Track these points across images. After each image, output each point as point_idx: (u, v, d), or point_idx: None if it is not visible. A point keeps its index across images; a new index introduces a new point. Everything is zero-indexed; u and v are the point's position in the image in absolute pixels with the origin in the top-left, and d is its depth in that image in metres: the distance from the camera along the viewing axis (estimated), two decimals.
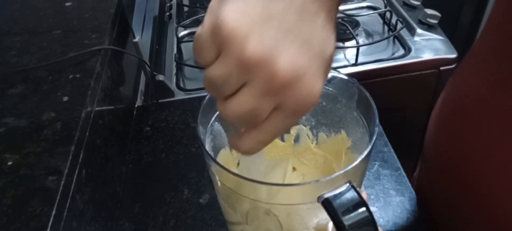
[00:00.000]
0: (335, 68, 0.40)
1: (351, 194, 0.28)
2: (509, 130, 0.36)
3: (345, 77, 0.38)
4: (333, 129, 0.43)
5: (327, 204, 0.28)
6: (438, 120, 0.48)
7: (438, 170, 0.48)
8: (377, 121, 0.33)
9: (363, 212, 0.28)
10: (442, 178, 0.47)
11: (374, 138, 0.32)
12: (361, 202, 0.28)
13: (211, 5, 0.24)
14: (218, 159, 0.40)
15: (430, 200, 0.50)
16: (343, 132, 0.41)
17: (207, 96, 0.37)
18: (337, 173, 0.29)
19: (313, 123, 0.44)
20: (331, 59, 0.26)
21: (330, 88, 0.40)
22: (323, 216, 0.34)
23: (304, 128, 0.45)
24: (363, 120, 0.37)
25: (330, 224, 0.34)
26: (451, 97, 0.47)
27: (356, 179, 0.32)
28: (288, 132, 0.45)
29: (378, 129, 0.34)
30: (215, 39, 0.23)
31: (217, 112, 0.39)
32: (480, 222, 0.41)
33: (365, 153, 0.31)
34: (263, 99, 0.24)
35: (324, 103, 0.41)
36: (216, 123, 0.39)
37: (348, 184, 0.29)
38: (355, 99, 0.38)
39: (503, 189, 0.37)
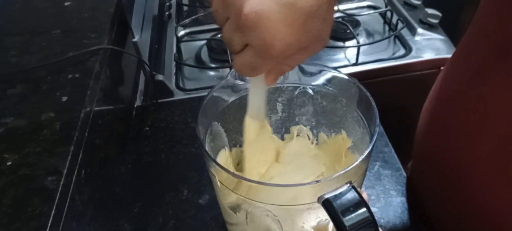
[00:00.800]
0: (335, 68, 0.40)
1: (352, 194, 0.28)
2: (487, 121, 0.37)
3: (346, 77, 0.38)
4: (333, 129, 0.43)
5: (328, 205, 0.28)
6: (425, 113, 0.49)
7: (426, 163, 0.49)
8: (378, 120, 0.33)
9: (363, 212, 0.27)
10: (430, 171, 0.48)
11: (375, 137, 0.32)
12: (362, 203, 0.28)
13: None
14: (218, 160, 0.40)
15: (419, 193, 0.51)
16: (343, 132, 0.41)
17: (207, 97, 0.37)
18: (337, 173, 0.29)
19: (313, 123, 0.44)
20: (309, 13, 0.28)
21: (330, 88, 0.40)
22: (323, 217, 0.34)
23: (304, 128, 0.44)
24: (364, 119, 0.37)
25: (330, 225, 0.34)
26: (437, 91, 0.48)
27: (356, 179, 0.31)
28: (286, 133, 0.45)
29: (378, 129, 0.34)
30: None
31: (217, 113, 0.39)
32: (466, 213, 0.41)
33: (366, 153, 0.31)
34: (234, 33, 0.29)
35: (324, 103, 0.41)
36: (215, 123, 0.39)
37: (348, 184, 0.29)
38: (356, 99, 0.38)
39: (484, 179, 0.38)
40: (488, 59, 0.37)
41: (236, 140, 0.43)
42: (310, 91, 0.41)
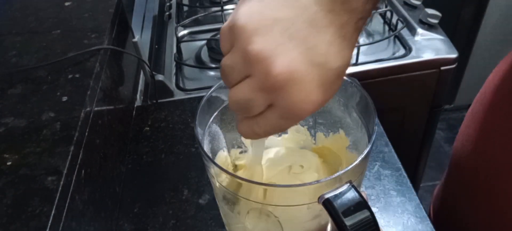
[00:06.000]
0: None
1: (352, 194, 0.28)
2: None
3: (344, 77, 0.38)
4: (331, 129, 0.43)
5: (328, 204, 0.28)
6: (473, 118, 0.48)
7: (465, 172, 0.47)
8: (376, 120, 0.33)
9: (364, 212, 0.28)
10: (469, 181, 0.46)
11: (374, 137, 0.32)
12: (362, 202, 0.28)
13: (237, 5, 0.27)
14: (216, 161, 0.40)
15: (451, 204, 0.50)
16: (341, 131, 0.41)
17: (204, 98, 0.37)
18: (337, 173, 0.29)
19: (311, 123, 0.44)
20: (338, 74, 0.27)
21: None
22: (323, 217, 0.34)
23: (301, 128, 0.44)
24: (362, 119, 0.37)
25: (329, 226, 0.34)
26: (483, 96, 0.47)
27: (356, 179, 0.31)
28: (284, 132, 0.45)
29: (377, 128, 0.34)
30: (230, 32, 0.26)
31: (215, 114, 0.39)
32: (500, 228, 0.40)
33: (365, 152, 0.31)
34: (258, 94, 0.26)
35: None
36: (213, 124, 0.39)
37: (348, 184, 0.29)
38: (354, 99, 0.38)
39: None
40: None
41: (234, 141, 0.43)
42: None
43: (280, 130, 0.29)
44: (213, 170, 0.34)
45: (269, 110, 0.27)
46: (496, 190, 0.42)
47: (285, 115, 0.27)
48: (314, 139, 0.44)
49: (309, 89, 0.25)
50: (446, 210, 0.53)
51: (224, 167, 0.33)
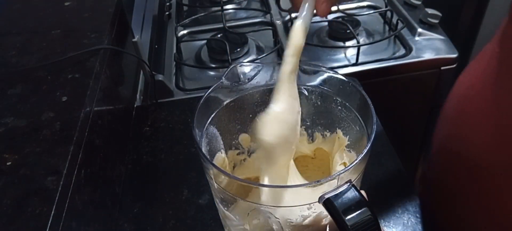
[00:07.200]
0: (334, 68, 0.40)
1: (352, 193, 0.28)
2: (507, 125, 0.37)
3: (342, 77, 0.38)
4: (329, 129, 0.43)
5: (329, 204, 0.28)
6: (444, 116, 0.49)
7: (447, 163, 0.48)
8: (375, 119, 0.33)
9: (365, 211, 0.28)
10: (451, 171, 0.47)
11: (373, 136, 0.32)
12: (363, 201, 0.28)
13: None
14: (214, 163, 0.39)
15: (433, 198, 0.51)
16: (339, 131, 0.41)
17: (202, 100, 0.37)
18: (337, 173, 0.29)
19: (308, 123, 0.44)
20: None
21: (325, 88, 0.39)
22: (322, 216, 0.34)
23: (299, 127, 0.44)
24: (361, 119, 0.37)
25: (328, 227, 0.34)
26: (456, 95, 0.48)
27: (355, 178, 0.31)
28: None
29: (377, 128, 0.33)
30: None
31: (212, 116, 0.39)
32: (486, 222, 0.41)
33: (365, 151, 0.31)
34: None
35: (319, 103, 0.41)
36: (211, 126, 0.39)
37: (348, 184, 0.29)
38: (351, 98, 0.38)
39: (505, 187, 0.37)
40: None
41: (231, 143, 0.43)
42: (305, 91, 0.40)
43: None
44: (212, 172, 0.34)
45: None
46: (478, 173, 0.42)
47: None
48: (311, 139, 0.44)
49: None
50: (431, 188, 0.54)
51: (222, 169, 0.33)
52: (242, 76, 0.39)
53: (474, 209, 0.44)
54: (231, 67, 0.38)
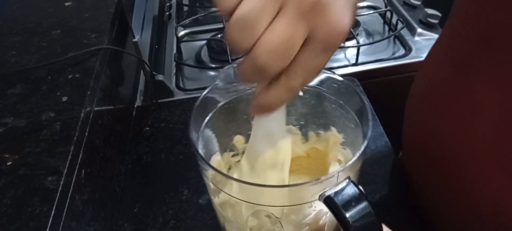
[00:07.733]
0: (332, 68, 0.40)
1: (352, 189, 0.29)
2: (478, 108, 0.37)
3: (338, 76, 0.38)
4: (323, 127, 0.43)
5: (329, 201, 0.28)
6: (413, 104, 0.50)
7: (417, 154, 0.49)
8: (370, 115, 0.34)
9: (365, 206, 0.28)
10: (421, 162, 0.48)
11: (369, 133, 0.32)
12: (362, 196, 0.28)
13: None
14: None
15: (411, 182, 0.52)
16: (333, 129, 0.41)
17: (197, 102, 0.37)
18: (336, 170, 0.29)
19: (302, 123, 0.44)
20: (356, 5, 0.27)
21: (319, 87, 0.39)
22: (322, 214, 0.34)
23: (293, 128, 0.44)
24: (355, 116, 0.37)
25: (326, 225, 0.34)
26: (421, 82, 0.49)
27: (352, 176, 0.32)
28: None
29: (377, 128, 0.34)
30: None
31: (208, 118, 0.39)
32: (458, 201, 0.42)
33: (362, 148, 0.31)
34: (297, 23, 0.24)
35: (313, 102, 0.41)
36: (206, 129, 0.39)
37: (347, 180, 0.29)
38: (346, 97, 0.38)
39: (476, 166, 0.38)
40: (473, 49, 0.38)
41: (226, 145, 0.43)
42: (300, 92, 0.40)
43: (317, 71, 0.27)
44: (209, 174, 0.34)
45: (305, 48, 0.25)
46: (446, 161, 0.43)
47: (323, 45, 0.25)
48: (306, 138, 0.44)
49: (343, 12, 0.25)
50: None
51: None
52: (235, 76, 0.39)
53: (447, 204, 0.44)
54: (226, 68, 0.38)
